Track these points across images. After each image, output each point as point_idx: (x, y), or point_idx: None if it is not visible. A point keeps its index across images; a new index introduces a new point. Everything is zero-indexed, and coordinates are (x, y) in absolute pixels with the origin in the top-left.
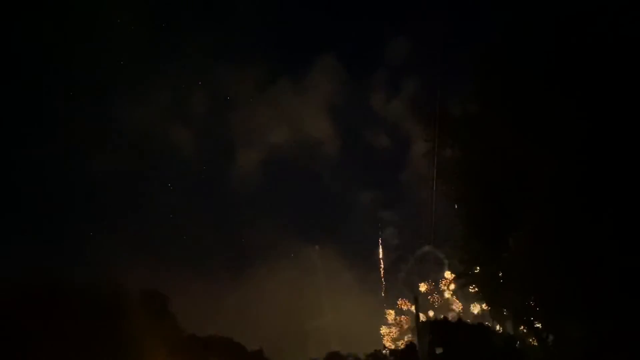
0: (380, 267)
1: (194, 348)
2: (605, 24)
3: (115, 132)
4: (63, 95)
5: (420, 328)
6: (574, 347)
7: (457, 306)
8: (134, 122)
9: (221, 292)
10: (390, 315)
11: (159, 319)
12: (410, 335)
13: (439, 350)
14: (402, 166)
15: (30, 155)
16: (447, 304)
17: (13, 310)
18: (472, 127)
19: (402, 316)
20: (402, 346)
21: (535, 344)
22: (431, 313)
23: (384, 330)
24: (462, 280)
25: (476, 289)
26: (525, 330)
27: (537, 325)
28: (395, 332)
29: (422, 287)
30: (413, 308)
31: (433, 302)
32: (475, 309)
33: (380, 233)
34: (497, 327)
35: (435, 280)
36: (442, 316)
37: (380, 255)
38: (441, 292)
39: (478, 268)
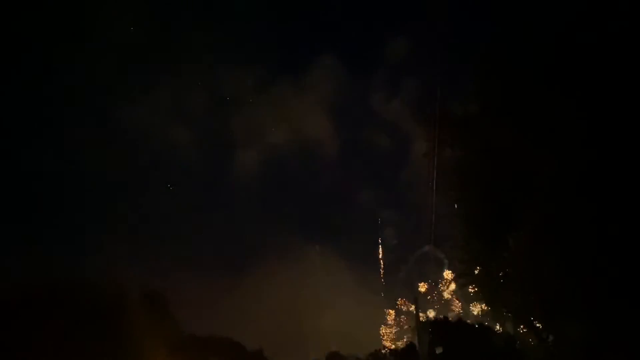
0: (380, 267)
1: (194, 348)
2: (605, 24)
3: (115, 132)
4: (63, 95)
5: (420, 328)
6: (574, 347)
7: (457, 306)
8: (134, 122)
9: (221, 292)
10: (390, 315)
11: (159, 319)
12: (410, 335)
13: (439, 350)
14: (402, 166)
15: (30, 156)
16: (447, 304)
17: (13, 310)
18: (472, 127)
19: (402, 316)
20: (402, 346)
21: (535, 344)
22: (431, 313)
23: (384, 330)
24: (462, 280)
25: (476, 289)
26: (525, 330)
27: (537, 325)
28: (395, 332)
29: (422, 287)
30: (413, 308)
31: (433, 301)
32: (475, 309)
33: (380, 233)
34: (497, 327)
35: (435, 280)
36: (442, 316)
37: (380, 256)
38: (440, 293)
39: (478, 268)
